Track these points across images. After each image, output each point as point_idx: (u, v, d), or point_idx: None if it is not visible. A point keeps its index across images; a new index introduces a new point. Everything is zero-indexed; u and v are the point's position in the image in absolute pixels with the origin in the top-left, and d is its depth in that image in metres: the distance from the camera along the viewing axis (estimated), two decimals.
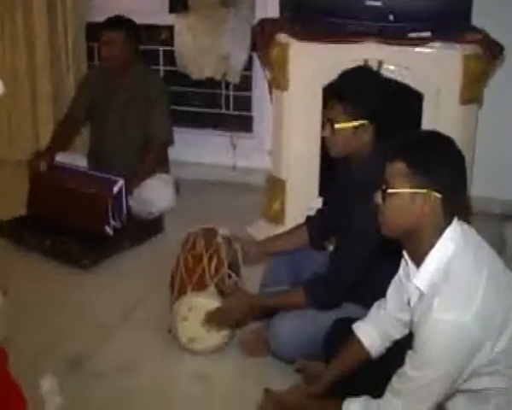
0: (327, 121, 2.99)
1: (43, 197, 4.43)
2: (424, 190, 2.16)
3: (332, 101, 2.97)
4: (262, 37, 4.41)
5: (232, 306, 3.20)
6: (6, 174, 5.29)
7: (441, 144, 2.22)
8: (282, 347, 3.12)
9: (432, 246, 2.20)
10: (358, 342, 2.68)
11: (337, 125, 2.92)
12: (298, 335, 3.05)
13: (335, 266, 3.01)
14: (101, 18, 4.84)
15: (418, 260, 2.27)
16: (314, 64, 4.12)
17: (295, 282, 3.29)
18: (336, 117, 2.93)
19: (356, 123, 2.91)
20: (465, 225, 2.28)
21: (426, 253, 2.21)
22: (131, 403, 3.06)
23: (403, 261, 2.43)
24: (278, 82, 4.29)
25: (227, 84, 5.41)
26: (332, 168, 3.33)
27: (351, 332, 2.72)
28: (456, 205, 2.24)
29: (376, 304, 2.70)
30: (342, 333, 2.78)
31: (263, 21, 4.49)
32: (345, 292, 2.99)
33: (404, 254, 2.37)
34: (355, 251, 2.93)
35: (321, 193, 4.17)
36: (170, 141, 4.89)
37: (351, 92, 2.91)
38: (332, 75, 3.12)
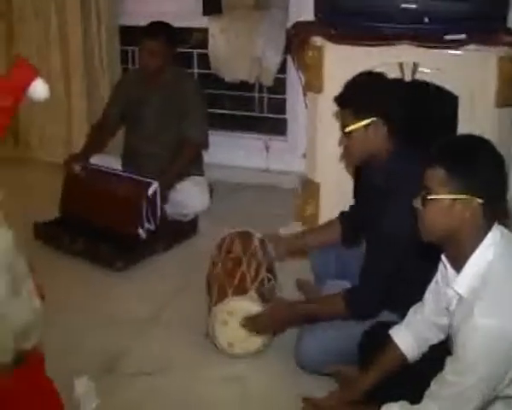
0: (340, 131, 3.02)
1: (78, 199, 4.45)
2: (464, 196, 2.14)
3: (341, 107, 3.01)
4: (297, 40, 4.40)
5: (270, 315, 3.19)
6: (40, 176, 5.31)
7: (481, 149, 2.20)
8: (310, 363, 3.11)
9: (472, 251, 2.18)
10: (395, 346, 2.66)
11: (347, 128, 2.95)
12: (325, 349, 3.04)
13: (366, 275, 2.98)
14: (134, 21, 4.85)
15: (458, 265, 2.24)
16: (349, 67, 4.05)
17: (342, 275, 3.31)
18: (345, 122, 2.97)
19: (364, 121, 2.92)
20: (504, 230, 2.25)
21: (466, 257, 2.19)
22: (164, 405, 3.06)
23: (441, 266, 2.41)
24: (313, 85, 4.28)
25: (261, 87, 5.41)
26: (358, 170, 3.34)
27: (386, 337, 2.70)
28: (497, 209, 2.22)
29: (413, 309, 2.68)
30: (377, 338, 2.77)
31: (298, 24, 4.48)
32: (380, 301, 2.97)
33: (443, 258, 2.35)
34: (383, 258, 2.91)
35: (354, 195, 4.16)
36: (205, 144, 4.87)
37: (352, 94, 2.95)
38: None
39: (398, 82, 3.95)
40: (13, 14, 5.62)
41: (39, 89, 1.77)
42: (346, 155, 3.06)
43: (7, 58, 5.64)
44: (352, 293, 2.99)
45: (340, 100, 2.99)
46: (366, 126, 2.93)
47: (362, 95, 2.94)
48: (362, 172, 3.24)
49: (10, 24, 5.64)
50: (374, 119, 2.92)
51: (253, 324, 3.20)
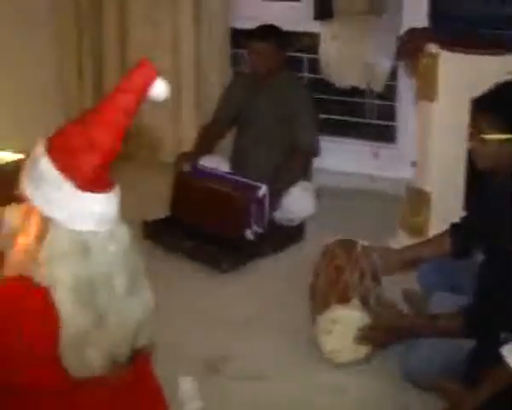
0: (475, 132, 2.92)
1: (186, 199, 4.50)
2: None
3: (483, 112, 2.91)
4: (410, 46, 4.32)
5: (384, 326, 3.15)
6: (151, 175, 5.40)
7: None
8: (417, 376, 3.06)
9: None
10: (507, 366, 2.59)
11: (486, 136, 2.85)
12: (433, 362, 2.99)
13: (492, 293, 2.89)
14: (246, 25, 4.88)
15: None
16: (464, 75, 4.01)
17: (450, 287, 3.23)
18: (485, 128, 2.87)
19: (505, 136, 2.82)
20: None
21: None
22: None
23: None
24: (426, 93, 4.20)
25: (371, 93, 5.36)
26: (477, 178, 3.26)
27: (498, 355, 2.63)
28: None
29: None
30: (488, 355, 2.70)
31: (411, 30, 4.40)
32: (504, 322, 2.86)
33: None
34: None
35: (465, 207, 4.06)
36: (316, 151, 4.84)
37: (503, 105, 2.84)
38: (482, 87, 3.04)
39: None
40: (126, 19, 5.73)
41: (160, 88, 1.78)
42: (474, 157, 2.98)
43: (121, 62, 5.75)
44: (473, 311, 2.91)
45: (491, 105, 2.89)
46: (503, 141, 2.84)
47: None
48: (486, 179, 3.14)
49: (124, 29, 5.75)
50: None
51: (363, 333, 3.17)
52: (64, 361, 1.76)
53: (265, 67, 4.66)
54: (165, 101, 1.83)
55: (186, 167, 4.56)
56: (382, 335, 3.19)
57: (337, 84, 5.23)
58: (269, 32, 4.67)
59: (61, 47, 5.91)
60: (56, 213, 1.76)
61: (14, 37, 5.53)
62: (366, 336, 3.17)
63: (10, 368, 1.78)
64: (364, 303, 3.22)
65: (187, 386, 3.02)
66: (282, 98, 4.69)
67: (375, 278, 3.37)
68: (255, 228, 4.25)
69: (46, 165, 1.76)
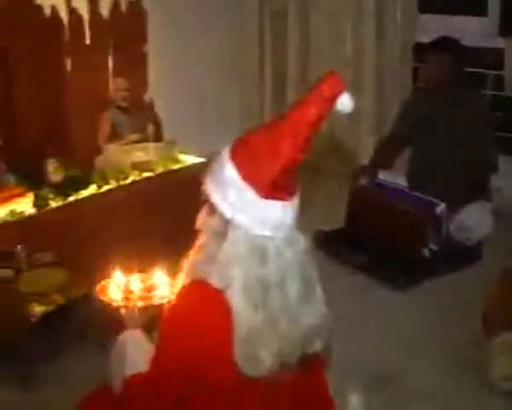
0: None
1: (362, 212, 4.52)
2: None
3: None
4: None
5: None
6: (331, 185, 5.44)
7: None
8: None
9: None
10: None
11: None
12: None
13: None
14: (428, 38, 4.81)
15: None
16: None
17: None
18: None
19: None
20: None
21: None
22: None
23: None
24: None
25: None
26: None
27: None
28: None
29: None
30: None
31: None
32: None
33: None
34: None
35: None
36: (494, 167, 4.71)
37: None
38: None
39: None
40: (308, 31, 5.80)
41: (346, 102, 1.80)
42: None
43: (301, 73, 5.83)
44: None
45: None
46: None
47: None
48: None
49: (305, 40, 5.83)
50: None
51: None
52: (237, 360, 1.81)
53: (439, 78, 4.57)
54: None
55: (363, 181, 4.56)
56: None
57: None
58: (445, 44, 4.59)
59: (244, 57, 6.08)
60: (237, 217, 1.83)
61: (198, 44, 5.74)
62: None
63: (195, 371, 1.86)
64: None
65: (356, 400, 3.02)
66: (460, 113, 4.59)
67: None
68: (432, 246, 4.20)
69: (230, 170, 1.83)
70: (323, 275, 2.87)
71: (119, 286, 2.37)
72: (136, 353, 2.09)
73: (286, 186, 1.84)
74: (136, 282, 2.38)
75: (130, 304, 2.30)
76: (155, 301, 2.30)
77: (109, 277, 2.41)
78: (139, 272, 2.45)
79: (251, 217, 1.82)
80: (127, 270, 2.43)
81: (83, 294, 3.40)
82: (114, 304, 2.30)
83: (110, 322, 2.33)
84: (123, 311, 2.28)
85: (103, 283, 2.39)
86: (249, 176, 1.81)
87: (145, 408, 1.93)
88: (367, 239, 4.40)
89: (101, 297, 2.33)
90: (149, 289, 2.38)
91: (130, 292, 2.35)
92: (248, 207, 1.82)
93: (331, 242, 4.51)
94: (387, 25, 5.50)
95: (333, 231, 4.59)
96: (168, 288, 2.33)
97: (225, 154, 1.86)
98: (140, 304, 2.30)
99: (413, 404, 3.16)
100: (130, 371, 2.03)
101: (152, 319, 2.22)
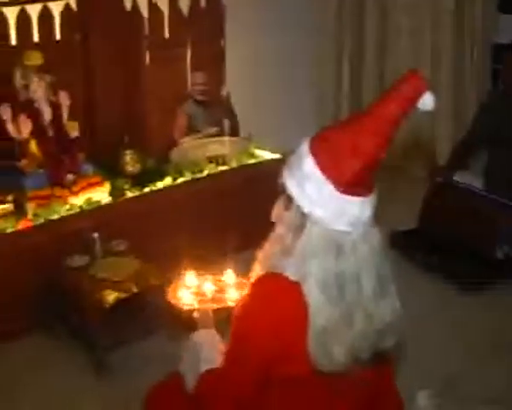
0: None
1: (437, 212, 4.49)
2: None
3: None
4: None
5: None
6: (408, 185, 5.43)
7: None
8: None
9: None
10: None
11: None
12: None
13: None
14: (508, 40, 4.73)
15: None
16: None
17: None
18: None
19: None
20: None
21: None
22: None
23: None
24: None
25: None
26: None
27: None
28: None
29: None
30: None
31: None
32: None
33: None
34: None
35: None
36: None
37: None
38: None
39: None
40: (386, 28, 5.77)
41: (428, 101, 1.79)
42: None
43: (379, 71, 5.80)
44: None
45: None
46: None
47: None
48: None
49: (383, 37, 5.80)
50: None
51: None
52: (312, 354, 1.82)
53: None
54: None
55: (440, 182, 4.52)
56: None
57: None
58: None
59: (321, 55, 6.07)
60: (315, 211, 1.83)
61: (277, 42, 5.76)
62: None
63: (271, 364, 1.87)
64: None
65: (424, 399, 3.00)
66: None
67: None
68: (505, 248, 4.14)
69: (310, 165, 1.83)
70: (395, 274, 2.88)
71: (191, 288, 2.37)
72: (210, 351, 2.11)
73: (364, 183, 1.84)
74: (208, 284, 2.38)
75: (203, 307, 2.30)
76: (228, 303, 2.30)
77: (181, 276, 2.40)
78: (210, 270, 2.44)
79: (329, 211, 1.82)
80: (198, 268, 2.43)
81: (155, 284, 3.46)
82: (186, 308, 2.30)
83: (182, 322, 2.35)
84: (196, 314, 2.29)
85: (174, 285, 2.38)
86: (329, 171, 1.81)
87: (223, 403, 1.94)
88: (440, 240, 4.37)
89: (173, 301, 2.32)
90: (221, 290, 2.38)
91: (203, 294, 2.35)
92: (327, 202, 1.82)
93: (405, 241, 4.48)
94: (466, 24, 5.43)
95: (408, 232, 4.57)
96: (239, 290, 2.33)
97: (304, 148, 1.87)
98: (212, 307, 2.30)
99: (481, 407, 3.13)
100: (205, 368, 2.04)
101: (225, 321, 2.22)
